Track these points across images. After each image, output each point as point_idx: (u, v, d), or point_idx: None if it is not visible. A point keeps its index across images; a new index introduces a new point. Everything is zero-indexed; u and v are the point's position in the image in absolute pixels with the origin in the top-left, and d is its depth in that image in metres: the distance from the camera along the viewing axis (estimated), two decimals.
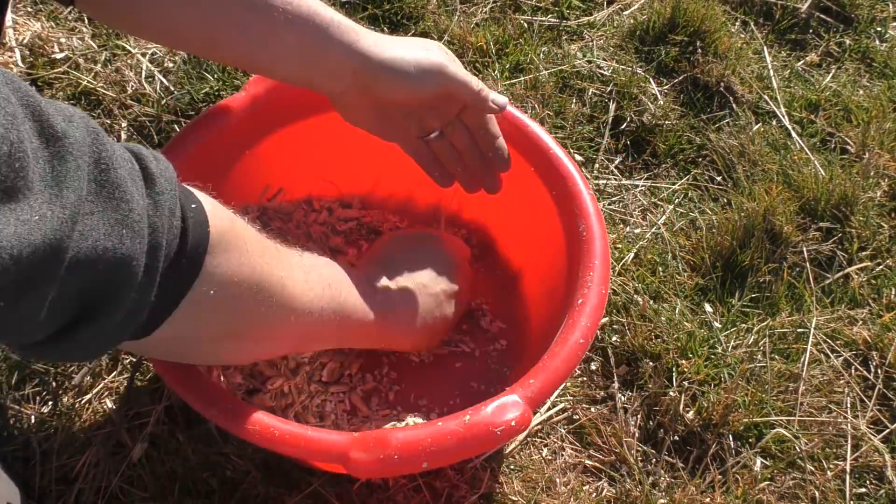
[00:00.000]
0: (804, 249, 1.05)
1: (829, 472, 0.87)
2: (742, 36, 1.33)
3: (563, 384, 0.91)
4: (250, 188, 0.94)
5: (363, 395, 0.84)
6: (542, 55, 1.24)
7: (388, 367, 0.87)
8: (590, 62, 1.24)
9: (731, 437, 0.88)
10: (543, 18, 1.31)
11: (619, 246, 1.04)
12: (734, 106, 1.21)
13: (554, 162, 0.83)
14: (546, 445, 0.87)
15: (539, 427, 0.88)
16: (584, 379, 0.93)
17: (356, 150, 0.94)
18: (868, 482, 0.88)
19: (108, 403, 0.87)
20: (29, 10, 1.25)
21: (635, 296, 0.98)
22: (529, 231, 0.89)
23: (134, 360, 0.89)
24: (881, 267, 1.05)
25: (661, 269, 1.02)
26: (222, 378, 0.80)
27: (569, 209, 0.80)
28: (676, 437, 0.88)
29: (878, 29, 1.37)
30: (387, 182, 1.00)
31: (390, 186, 1.00)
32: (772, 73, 1.27)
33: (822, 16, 1.37)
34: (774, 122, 1.21)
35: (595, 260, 0.74)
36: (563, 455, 0.87)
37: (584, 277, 0.73)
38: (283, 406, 0.80)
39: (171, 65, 1.17)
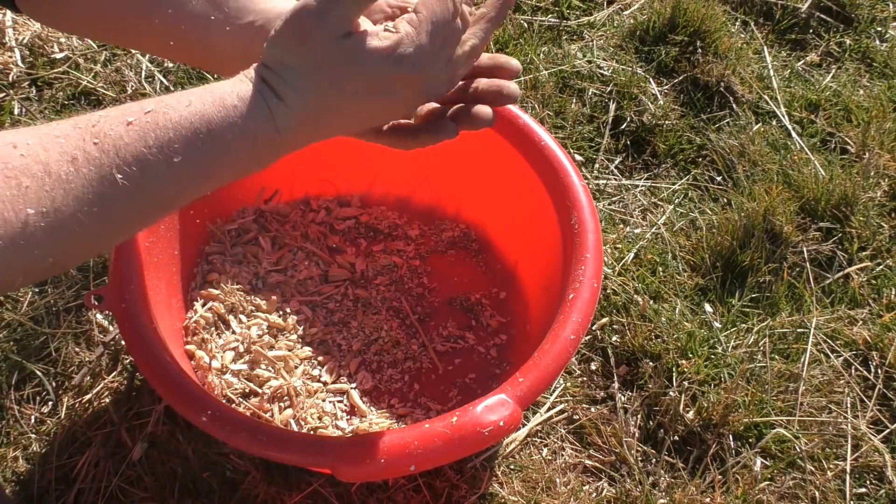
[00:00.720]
0: (804, 249, 1.05)
1: (829, 472, 0.87)
2: (742, 36, 1.33)
3: (557, 381, 0.91)
4: (246, 192, 0.94)
5: (362, 393, 0.84)
6: (542, 55, 1.24)
7: (388, 365, 0.87)
8: (590, 62, 1.24)
9: (731, 437, 0.88)
10: (543, 18, 1.31)
11: (619, 246, 1.04)
12: (734, 106, 1.21)
13: (546, 154, 0.83)
14: (546, 445, 0.87)
15: (539, 427, 0.88)
16: (584, 379, 0.93)
17: (353, 148, 0.94)
18: (868, 482, 0.88)
19: (108, 403, 0.87)
20: None
21: (635, 296, 0.98)
22: (527, 226, 0.89)
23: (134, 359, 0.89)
24: (881, 267, 1.05)
25: (661, 269, 1.02)
26: (217, 381, 0.80)
27: (562, 202, 0.80)
28: (676, 437, 0.88)
29: (879, 29, 1.37)
30: (385, 179, 1.00)
31: (389, 184, 1.00)
32: (772, 73, 1.27)
33: (822, 16, 1.37)
34: (774, 122, 1.21)
35: (587, 254, 0.74)
36: (563, 455, 0.87)
37: (576, 272, 0.73)
38: (281, 408, 0.80)
39: (170, 65, 1.17)
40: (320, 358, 0.86)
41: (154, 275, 0.77)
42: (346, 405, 0.83)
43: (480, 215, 0.99)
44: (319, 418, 0.81)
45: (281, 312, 0.88)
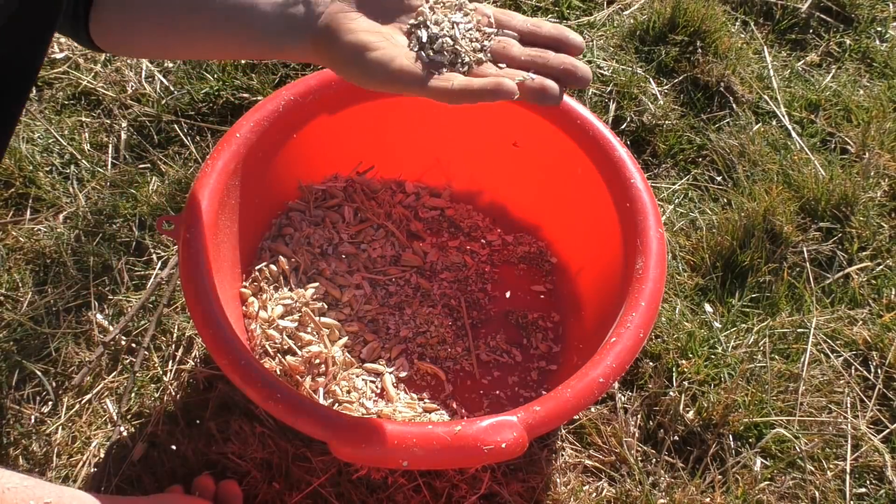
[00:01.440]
0: (804, 249, 1.05)
1: (829, 472, 0.87)
2: (742, 36, 1.33)
3: (574, 418, 0.88)
4: (343, 160, 0.96)
5: (395, 381, 0.85)
6: None
7: (429, 360, 0.88)
8: (590, 62, 1.24)
9: (731, 437, 0.88)
10: (543, 18, 1.31)
11: None
12: (734, 106, 1.21)
13: (631, 193, 0.81)
14: (546, 445, 0.87)
15: None
16: None
17: (460, 143, 0.95)
18: (868, 482, 0.88)
19: (108, 403, 0.87)
20: None
21: None
22: (599, 260, 0.88)
23: (134, 359, 0.89)
24: (881, 267, 1.05)
25: None
26: (259, 331, 0.82)
27: (633, 244, 0.78)
28: (676, 437, 0.88)
29: (878, 29, 1.37)
30: (483, 181, 1.00)
31: (484, 186, 1.01)
32: (772, 73, 1.27)
33: (822, 16, 1.37)
34: (774, 122, 1.21)
35: (642, 301, 0.73)
36: (563, 455, 0.87)
37: (625, 317, 0.72)
38: (314, 373, 0.81)
39: (170, 65, 1.17)
40: (367, 336, 0.87)
41: (229, 216, 0.80)
42: (377, 387, 0.84)
43: (559, 238, 0.98)
44: (348, 392, 0.81)
45: (342, 283, 0.89)
